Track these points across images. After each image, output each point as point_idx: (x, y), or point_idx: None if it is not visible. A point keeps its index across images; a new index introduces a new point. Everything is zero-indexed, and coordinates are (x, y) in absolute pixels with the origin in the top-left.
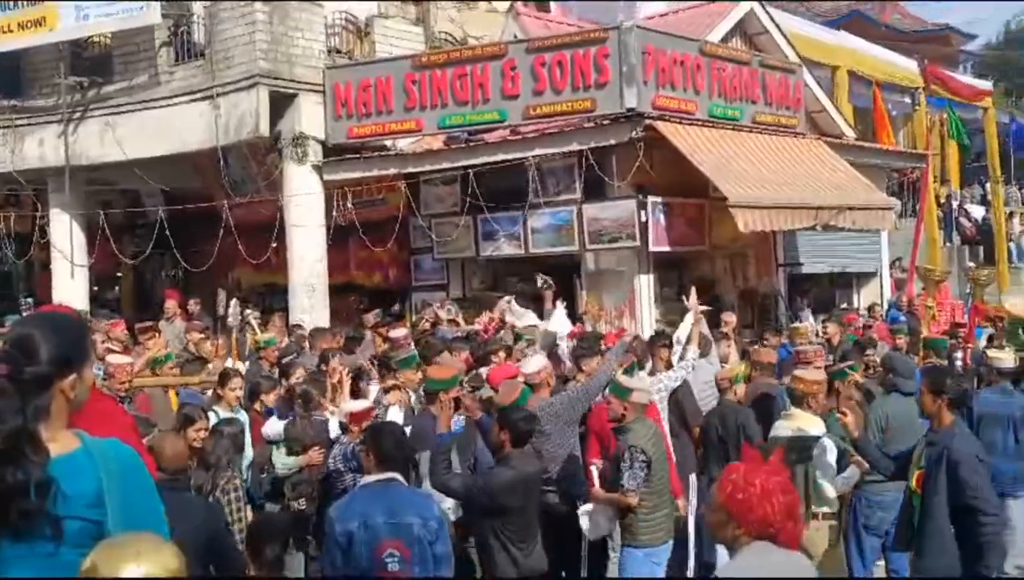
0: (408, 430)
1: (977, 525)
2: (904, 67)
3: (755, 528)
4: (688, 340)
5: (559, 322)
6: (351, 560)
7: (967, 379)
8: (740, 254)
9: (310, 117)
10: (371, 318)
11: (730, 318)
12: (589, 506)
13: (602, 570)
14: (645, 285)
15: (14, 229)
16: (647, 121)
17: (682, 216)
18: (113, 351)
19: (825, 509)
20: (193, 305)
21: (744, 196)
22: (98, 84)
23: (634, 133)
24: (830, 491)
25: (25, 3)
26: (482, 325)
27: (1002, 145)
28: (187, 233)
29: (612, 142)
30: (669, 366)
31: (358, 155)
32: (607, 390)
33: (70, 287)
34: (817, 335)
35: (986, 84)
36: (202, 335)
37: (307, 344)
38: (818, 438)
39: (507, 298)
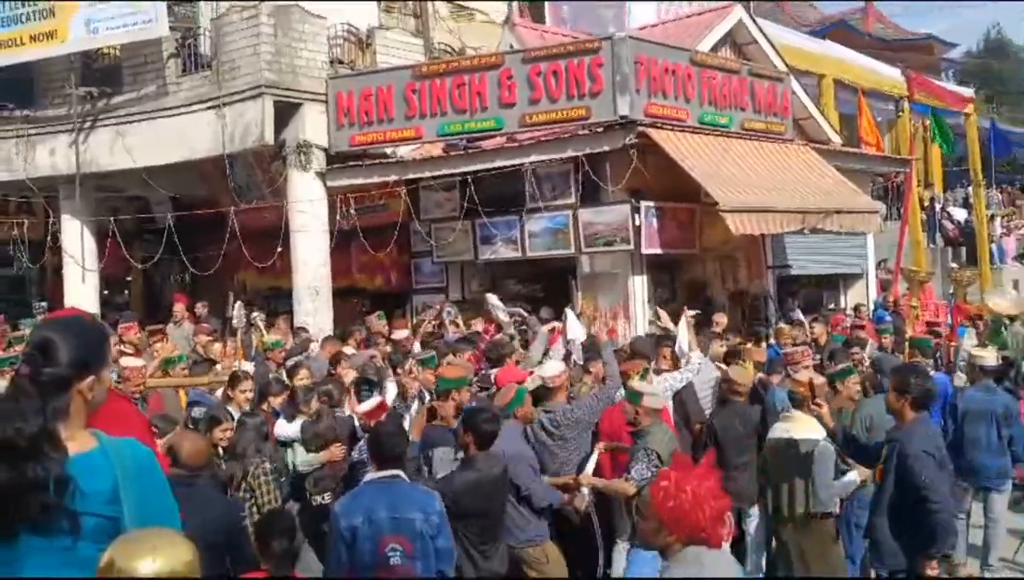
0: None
1: (929, 513)
2: (888, 75)
3: (687, 534)
4: (690, 347)
5: (574, 327)
6: (355, 554)
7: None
8: (730, 257)
9: (313, 126)
10: (374, 320)
11: (721, 319)
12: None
13: (607, 569)
14: (638, 287)
15: (27, 235)
16: (640, 128)
17: (674, 220)
18: (126, 354)
19: (828, 509)
20: (201, 308)
21: (734, 201)
22: (108, 94)
23: (627, 140)
24: (826, 493)
25: (35, 14)
26: (483, 327)
27: (983, 150)
28: (194, 238)
29: (606, 149)
30: (674, 365)
31: (360, 162)
32: (623, 395)
33: (81, 291)
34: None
35: (968, 91)
36: (209, 337)
37: (312, 346)
38: (817, 442)
39: (489, 295)
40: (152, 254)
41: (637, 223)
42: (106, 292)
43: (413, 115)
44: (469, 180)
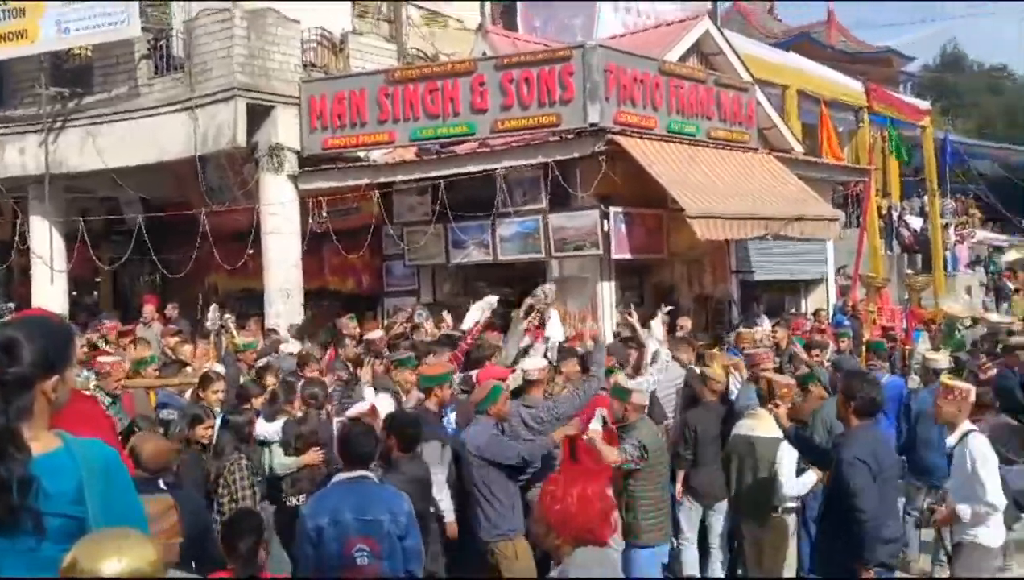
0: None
1: (856, 521)
2: (849, 87)
3: (574, 536)
4: (660, 342)
5: (555, 328)
6: (322, 555)
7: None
8: (696, 262)
9: (286, 128)
10: (346, 322)
11: (685, 322)
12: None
13: None
14: (607, 291)
15: None
16: (609, 136)
17: (642, 225)
18: (106, 352)
19: (788, 504)
20: (172, 309)
21: (700, 207)
22: (78, 95)
23: (597, 147)
24: (788, 490)
25: (5, 14)
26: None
27: (938, 160)
28: (165, 240)
29: (576, 155)
30: (636, 368)
31: (333, 165)
32: (609, 392)
33: (49, 292)
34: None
35: (925, 103)
36: (177, 339)
37: (282, 348)
38: (779, 440)
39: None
40: (121, 255)
41: (606, 228)
42: (75, 293)
43: (386, 119)
44: (441, 184)
